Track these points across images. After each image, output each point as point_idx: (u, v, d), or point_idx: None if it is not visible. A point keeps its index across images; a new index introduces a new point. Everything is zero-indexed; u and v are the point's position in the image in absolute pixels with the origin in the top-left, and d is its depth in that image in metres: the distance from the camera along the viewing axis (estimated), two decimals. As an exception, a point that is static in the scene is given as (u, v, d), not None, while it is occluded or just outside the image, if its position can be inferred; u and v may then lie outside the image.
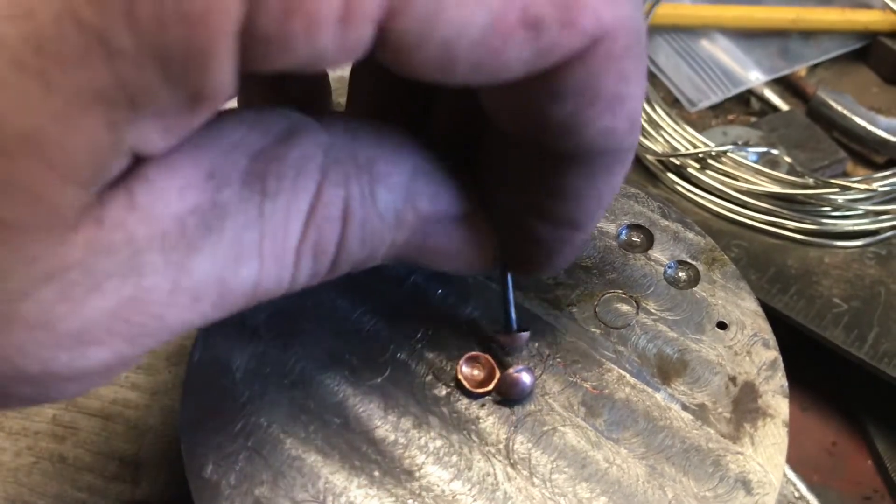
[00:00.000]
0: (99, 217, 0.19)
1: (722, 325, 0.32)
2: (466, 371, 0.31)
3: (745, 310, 0.33)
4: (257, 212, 0.22)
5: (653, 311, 0.33)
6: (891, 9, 0.65)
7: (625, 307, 0.33)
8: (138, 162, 0.19)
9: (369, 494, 0.29)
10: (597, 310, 0.33)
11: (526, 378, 0.30)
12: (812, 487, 0.47)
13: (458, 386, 0.31)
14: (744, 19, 0.66)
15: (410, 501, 0.28)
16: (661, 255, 0.34)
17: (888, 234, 0.52)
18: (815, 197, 0.51)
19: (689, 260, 0.34)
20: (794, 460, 0.48)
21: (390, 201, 0.24)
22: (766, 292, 0.49)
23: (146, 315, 0.21)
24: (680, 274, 0.34)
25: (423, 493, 0.29)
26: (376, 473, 0.29)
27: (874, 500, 0.49)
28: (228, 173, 0.21)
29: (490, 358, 0.31)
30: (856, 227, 0.52)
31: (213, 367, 0.32)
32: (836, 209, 0.52)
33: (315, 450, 0.29)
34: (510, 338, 0.31)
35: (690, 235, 0.35)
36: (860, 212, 0.52)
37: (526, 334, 0.31)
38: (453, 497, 0.29)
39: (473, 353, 0.31)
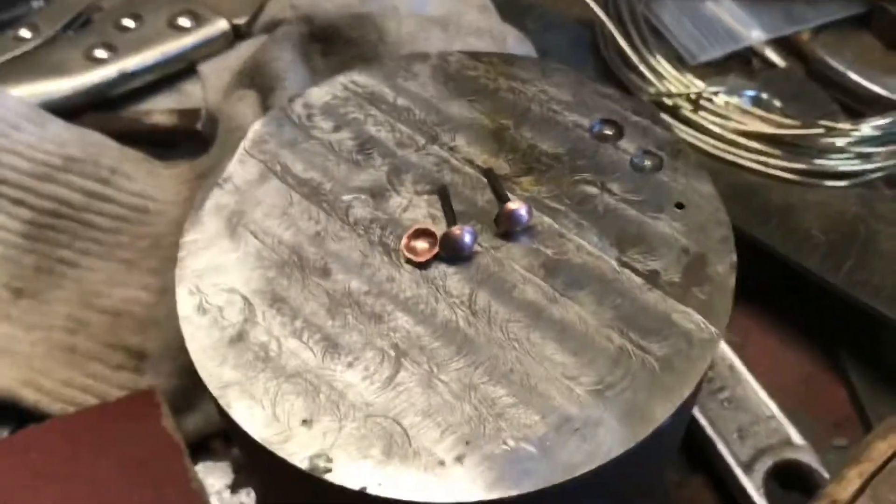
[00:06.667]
0: None
1: (680, 206, 0.34)
2: (413, 245, 0.33)
3: (702, 193, 0.35)
4: None
5: (617, 192, 0.35)
6: (893, -25, 0.67)
7: (591, 189, 0.35)
8: None
9: (342, 333, 0.31)
10: (564, 190, 0.35)
11: (467, 237, 0.32)
12: (786, 412, 0.49)
13: (407, 260, 0.33)
14: (749, -18, 0.68)
15: (378, 340, 0.31)
16: (629, 145, 0.37)
17: (873, 175, 0.54)
18: (801, 138, 0.53)
19: (654, 150, 0.36)
20: (770, 388, 0.50)
21: None
22: (747, 223, 0.51)
23: None
24: (646, 162, 0.36)
25: (391, 334, 0.31)
26: (350, 317, 0.32)
27: (844, 427, 0.50)
28: None
29: (433, 229, 0.33)
30: (841, 168, 0.53)
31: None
32: (822, 151, 0.54)
33: (295, 295, 0.32)
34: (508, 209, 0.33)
35: (658, 130, 0.37)
36: (847, 154, 0.54)
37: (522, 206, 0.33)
38: (417, 337, 0.31)
39: (420, 226, 0.34)
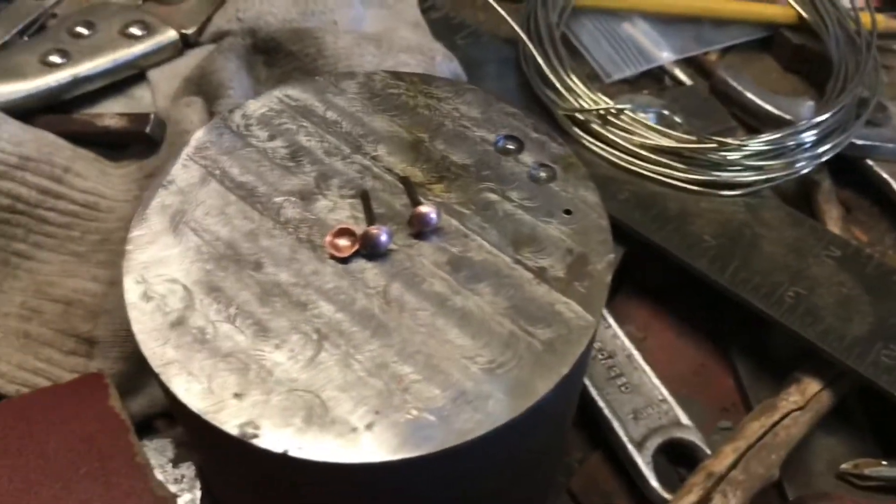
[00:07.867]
0: None
1: (568, 212, 0.40)
2: (336, 242, 0.38)
3: (589, 202, 0.40)
4: None
5: (515, 199, 0.40)
6: (791, 4, 0.73)
7: (493, 196, 0.40)
8: None
9: (271, 318, 0.36)
10: (470, 196, 0.40)
11: (383, 236, 0.37)
12: (678, 398, 0.55)
13: (331, 256, 0.38)
14: (663, 5, 0.74)
15: (303, 325, 0.36)
16: (528, 158, 0.42)
17: (760, 186, 0.60)
18: (697, 151, 0.59)
19: (549, 163, 0.42)
20: (665, 377, 0.55)
21: None
22: (646, 227, 0.57)
23: None
24: (541, 173, 0.41)
25: (314, 320, 0.36)
26: (278, 305, 0.36)
27: (731, 411, 0.57)
28: None
29: (354, 229, 0.38)
30: (733, 179, 0.59)
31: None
32: (716, 164, 0.60)
33: (230, 285, 0.37)
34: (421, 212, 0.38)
35: (554, 145, 0.42)
36: (738, 167, 0.60)
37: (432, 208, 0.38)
38: (338, 323, 0.36)
39: (343, 226, 0.38)
